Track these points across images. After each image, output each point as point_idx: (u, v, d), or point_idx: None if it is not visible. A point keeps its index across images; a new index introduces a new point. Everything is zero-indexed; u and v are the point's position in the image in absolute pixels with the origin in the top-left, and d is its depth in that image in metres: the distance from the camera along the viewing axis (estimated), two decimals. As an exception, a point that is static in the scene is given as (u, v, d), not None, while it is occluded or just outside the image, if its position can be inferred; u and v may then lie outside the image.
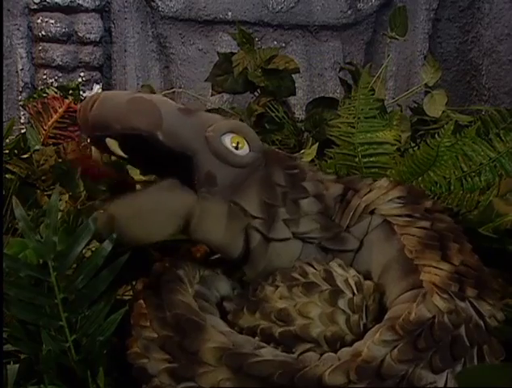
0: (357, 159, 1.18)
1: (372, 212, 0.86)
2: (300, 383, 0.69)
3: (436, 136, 1.14)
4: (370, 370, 0.69)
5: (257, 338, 0.76)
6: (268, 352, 0.72)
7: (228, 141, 0.82)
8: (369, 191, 0.88)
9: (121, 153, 0.81)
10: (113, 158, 1.34)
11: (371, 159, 1.18)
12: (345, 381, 0.68)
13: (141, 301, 0.80)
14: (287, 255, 0.84)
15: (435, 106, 1.60)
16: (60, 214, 1.03)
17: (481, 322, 0.75)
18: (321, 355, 0.73)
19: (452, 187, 1.12)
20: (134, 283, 0.90)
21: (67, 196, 1.13)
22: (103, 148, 0.81)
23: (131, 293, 0.91)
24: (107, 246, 0.82)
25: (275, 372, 0.69)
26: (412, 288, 0.78)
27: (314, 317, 0.76)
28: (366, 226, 0.86)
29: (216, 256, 0.88)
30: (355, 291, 0.79)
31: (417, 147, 1.36)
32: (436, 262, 0.78)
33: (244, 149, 0.82)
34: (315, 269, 0.81)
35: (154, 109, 0.78)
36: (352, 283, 0.80)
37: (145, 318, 0.77)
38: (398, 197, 0.87)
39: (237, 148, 0.82)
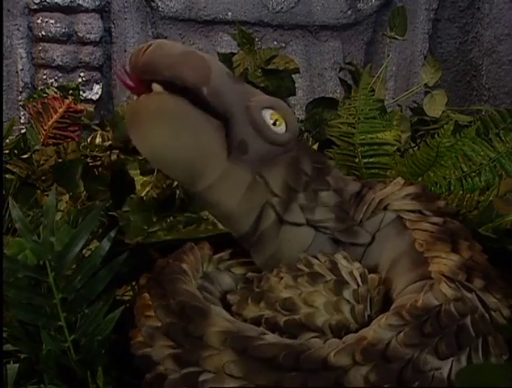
0: (357, 160, 1.18)
1: (386, 208, 0.87)
2: (305, 364, 0.68)
3: (436, 136, 1.14)
4: (375, 352, 0.68)
5: (261, 327, 0.76)
6: (273, 337, 0.73)
7: (268, 115, 0.82)
8: (383, 188, 0.89)
9: None
10: (113, 157, 1.34)
11: (372, 160, 1.18)
12: (350, 363, 0.68)
13: (145, 294, 0.80)
14: (298, 242, 0.84)
15: (435, 106, 1.60)
16: (60, 214, 1.04)
17: (487, 315, 0.75)
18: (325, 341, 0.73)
19: (452, 188, 1.12)
20: (134, 283, 0.90)
21: (67, 196, 1.13)
22: (147, 92, 0.80)
23: (130, 293, 0.91)
24: (105, 245, 0.82)
25: (280, 353, 0.69)
26: (420, 280, 0.78)
27: (319, 306, 0.76)
28: (378, 222, 0.87)
29: (219, 255, 0.88)
30: (360, 283, 0.79)
31: (417, 147, 1.36)
32: (446, 253, 0.79)
33: (281, 128, 0.83)
34: (320, 261, 0.82)
35: (205, 65, 0.79)
36: (357, 274, 0.80)
37: (149, 308, 0.77)
38: (412, 194, 0.87)
39: (274, 124, 0.82)
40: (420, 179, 1.14)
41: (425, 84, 1.65)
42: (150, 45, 0.78)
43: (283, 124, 0.83)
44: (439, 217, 0.84)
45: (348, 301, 0.77)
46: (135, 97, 0.83)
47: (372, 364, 0.68)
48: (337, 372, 0.68)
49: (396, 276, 0.82)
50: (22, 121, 2.06)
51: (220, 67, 0.82)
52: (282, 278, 0.80)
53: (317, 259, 0.82)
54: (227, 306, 0.81)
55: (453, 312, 0.72)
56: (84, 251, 0.91)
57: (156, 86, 0.79)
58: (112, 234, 0.83)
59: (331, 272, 0.80)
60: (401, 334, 0.69)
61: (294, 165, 0.84)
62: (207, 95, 0.78)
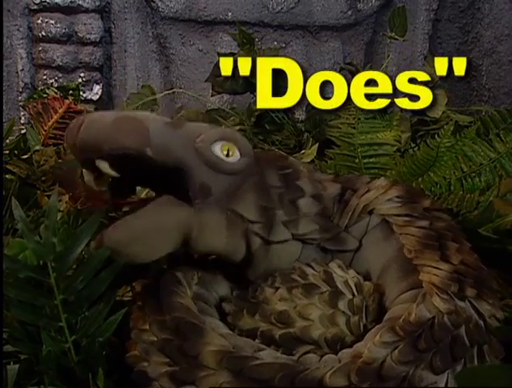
0: (357, 160, 1.18)
1: (371, 212, 0.86)
2: (300, 386, 0.68)
3: (436, 136, 1.15)
4: (371, 372, 0.68)
5: (257, 340, 0.76)
6: (268, 355, 0.72)
7: (219, 149, 0.81)
8: (367, 191, 0.88)
9: (113, 173, 0.80)
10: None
11: (372, 160, 1.18)
12: (346, 383, 0.68)
13: (140, 304, 0.80)
14: (287, 257, 0.84)
15: (435, 106, 1.60)
16: (60, 215, 1.03)
17: (481, 322, 0.75)
18: (322, 356, 0.73)
19: (452, 188, 1.13)
20: (134, 284, 0.90)
21: (67, 196, 1.13)
22: (94, 169, 0.80)
23: (130, 294, 0.91)
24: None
25: (276, 375, 0.69)
26: (411, 289, 0.78)
27: (314, 319, 0.76)
28: (365, 226, 0.86)
29: (214, 257, 0.88)
30: (355, 292, 0.79)
31: (417, 148, 1.36)
32: (435, 262, 0.78)
33: (235, 156, 0.82)
34: (314, 270, 0.81)
35: (141, 126, 0.78)
36: (352, 284, 0.80)
37: (144, 321, 0.77)
38: (396, 197, 0.87)
39: (227, 155, 0.82)
40: (420, 179, 1.14)
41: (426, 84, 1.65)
42: (81, 123, 0.77)
43: (236, 151, 0.82)
44: (426, 220, 0.84)
45: (343, 312, 0.77)
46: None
47: (368, 384, 0.68)
48: None
49: (387, 283, 0.81)
50: (22, 121, 2.06)
51: (156, 121, 0.81)
52: (277, 289, 0.79)
53: (312, 268, 0.82)
54: (223, 314, 0.81)
55: (447, 324, 0.71)
56: (84, 252, 0.91)
57: (100, 163, 0.78)
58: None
59: (326, 282, 0.79)
60: (396, 351, 0.69)
61: (260, 185, 0.83)
62: (152, 155, 0.77)
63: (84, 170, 0.83)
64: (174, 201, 0.80)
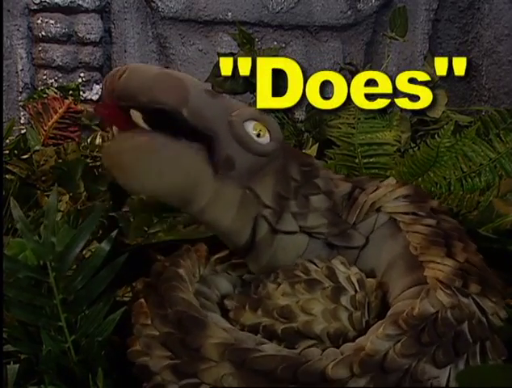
0: (357, 160, 1.18)
1: (379, 210, 0.87)
2: (303, 377, 0.68)
3: (436, 136, 1.15)
4: (373, 364, 0.69)
5: (259, 335, 0.76)
6: (270, 348, 0.72)
7: (251, 127, 0.81)
8: (376, 189, 0.88)
9: (144, 126, 0.80)
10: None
11: (371, 160, 1.18)
12: (348, 375, 0.68)
13: (142, 301, 0.80)
14: (293, 249, 0.84)
15: (435, 106, 1.60)
16: (60, 215, 1.04)
17: (484, 319, 0.75)
18: (324, 351, 0.73)
19: (452, 188, 1.13)
20: (134, 284, 0.90)
21: (67, 196, 1.13)
22: (127, 119, 0.80)
23: (130, 294, 0.91)
24: (106, 246, 0.82)
25: (278, 366, 0.69)
26: (415, 285, 0.78)
27: (317, 313, 0.76)
28: (372, 224, 0.87)
29: (216, 256, 0.88)
30: (357, 288, 0.79)
31: (417, 148, 1.36)
32: (441, 258, 0.79)
33: (265, 138, 0.82)
34: (317, 266, 0.82)
35: (182, 86, 0.78)
36: (354, 280, 0.80)
37: (146, 317, 0.77)
38: (404, 195, 0.87)
39: (258, 136, 0.82)
40: (420, 179, 1.14)
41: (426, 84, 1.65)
42: (124, 71, 0.77)
43: (267, 134, 0.82)
44: (432, 219, 0.84)
45: (346, 307, 0.77)
46: (114, 129, 0.81)
47: (370, 376, 0.68)
48: (335, 384, 0.68)
49: (391, 280, 0.82)
50: (22, 121, 2.06)
51: (198, 85, 0.81)
52: (279, 284, 0.79)
53: (315, 264, 0.82)
54: (224, 311, 0.81)
55: (450, 319, 0.72)
56: (84, 252, 0.91)
57: (134, 113, 0.78)
58: (113, 235, 0.83)
59: (328, 278, 0.79)
60: (399, 344, 0.69)
61: (282, 173, 0.83)
62: (187, 117, 0.77)
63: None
64: (205, 155, 0.79)
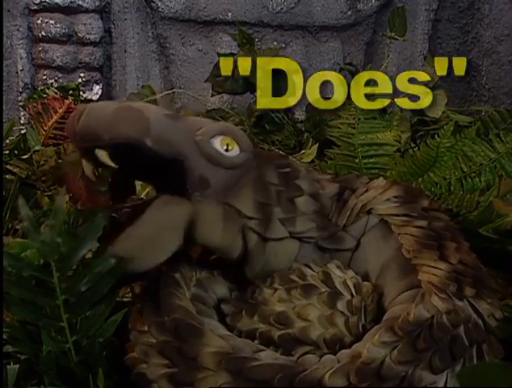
0: (357, 160, 1.18)
1: (369, 212, 0.86)
2: (300, 386, 0.68)
3: (436, 136, 1.15)
4: (370, 372, 0.68)
5: (256, 341, 0.76)
6: (267, 356, 0.72)
7: (218, 143, 0.81)
8: (366, 191, 0.88)
9: (111, 164, 0.80)
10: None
11: (372, 160, 1.18)
12: (345, 384, 0.68)
13: (139, 306, 0.80)
14: (285, 255, 0.84)
15: (435, 106, 1.60)
16: (60, 215, 1.03)
17: (480, 322, 0.75)
18: (321, 357, 0.73)
19: (452, 188, 1.13)
20: (133, 285, 0.90)
21: (67, 196, 1.13)
22: (93, 159, 0.80)
23: (130, 295, 0.91)
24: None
25: (275, 375, 0.69)
26: (410, 288, 0.78)
27: (313, 319, 0.76)
28: (363, 226, 0.86)
29: (212, 257, 0.88)
30: (354, 293, 0.79)
31: (417, 148, 1.36)
32: (434, 261, 0.78)
33: (234, 151, 0.82)
34: (313, 271, 0.81)
35: (141, 116, 0.78)
36: (351, 285, 0.80)
37: (143, 323, 0.77)
38: (395, 196, 0.87)
39: (227, 150, 0.82)
40: (420, 179, 1.14)
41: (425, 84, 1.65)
42: (82, 112, 0.77)
43: (236, 146, 0.82)
44: (424, 219, 0.84)
45: (342, 312, 0.77)
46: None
47: (367, 384, 0.68)
48: None
49: (386, 284, 0.81)
50: (22, 122, 2.06)
51: (157, 112, 0.81)
52: (275, 290, 0.79)
53: (311, 268, 0.82)
54: (221, 315, 0.81)
55: (445, 324, 0.71)
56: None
57: (99, 152, 0.78)
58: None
59: (324, 283, 0.79)
60: (395, 351, 0.69)
61: (258, 181, 0.83)
62: (152, 146, 0.77)
63: (84, 161, 0.83)
64: (172, 200, 0.80)
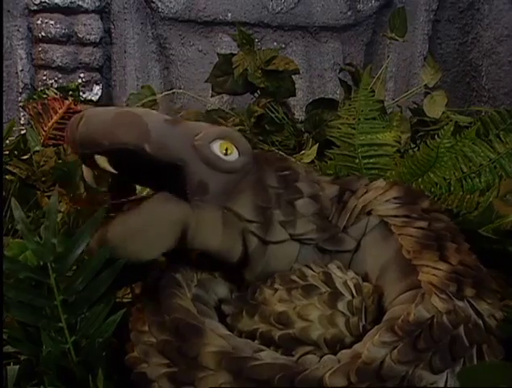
0: (357, 160, 1.18)
1: (369, 213, 0.86)
2: (300, 386, 0.68)
3: (436, 137, 1.14)
4: (370, 372, 0.69)
5: (256, 341, 0.76)
6: (268, 356, 0.72)
7: (217, 147, 0.81)
8: (366, 192, 0.88)
9: (111, 169, 0.80)
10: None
11: (372, 160, 1.18)
12: (345, 383, 0.68)
13: (139, 306, 0.80)
14: (285, 257, 0.84)
15: (435, 107, 1.60)
16: (60, 216, 1.03)
17: (480, 322, 0.75)
18: (321, 357, 0.73)
19: (452, 188, 1.12)
20: (134, 285, 0.90)
21: (67, 197, 1.12)
22: (93, 165, 0.81)
23: (130, 295, 0.91)
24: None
25: (275, 375, 0.69)
26: (410, 289, 0.78)
27: (314, 319, 0.76)
28: (363, 227, 0.86)
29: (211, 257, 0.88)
30: (354, 293, 0.79)
31: (417, 148, 1.36)
32: (434, 262, 0.78)
33: (233, 155, 0.82)
34: (314, 272, 0.81)
35: (140, 122, 0.78)
36: (351, 285, 0.80)
37: (144, 323, 0.77)
38: (395, 197, 0.87)
39: (226, 154, 0.82)
40: (420, 179, 1.13)
41: (425, 85, 1.65)
42: (81, 118, 0.77)
43: (235, 150, 0.82)
44: (424, 220, 0.84)
45: (343, 313, 0.77)
46: None
47: (367, 384, 0.68)
48: None
49: (386, 284, 0.81)
50: (22, 122, 2.06)
51: (156, 117, 0.81)
52: (276, 290, 0.79)
53: (311, 269, 0.82)
54: (222, 315, 0.81)
55: (446, 324, 0.71)
56: (84, 253, 0.91)
57: (99, 158, 0.79)
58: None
59: (325, 283, 0.79)
60: (395, 351, 0.69)
61: (258, 184, 0.83)
62: (151, 151, 0.77)
63: (83, 166, 0.83)
64: (172, 198, 0.80)
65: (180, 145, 0.80)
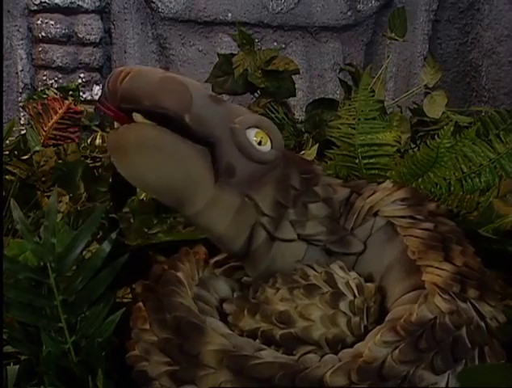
0: (357, 160, 1.17)
1: (376, 214, 0.86)
2: (301, 384, 0.68)
3: (436, 137, 1.14)
4: (371, 371, 0.68)
5: (257, 340, 0.76)
6: (269, 354, 0.72)
7: (253, 135, 0.81)
8: (373, 193, 0.88)
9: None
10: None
11: (372, 160, 1.18)
12: (346, 382, 0.68)
13: (140, 304, 0.80)
14: (291, 256, 0.84)
15: (435, 107, 1.60)
16: (60, 216, 1.04)
17: (482, 324, 0.75)
18: (322, 357, 0.73)
19: (452, 189, 1.12)
20: (134, 285, 0.90)
21: (67, 197, 1.13)
22: (127, 120, 0.79)
23: (130, 295, 0.91)
24: (106, 247, 0.82)
25: (276, 373, 0.69)
26: (414, 289, 0.77)
27: (315, 319, 0.76)
28: (369, 228, 0.86)
29: (215, 259, 0.88)
30: (356, 293, 0.79)
31: (417, 148, 1.36)
32: (438, 262, 0.78)
33: (266, 146, 0.82)
34: (316, 271, 0.81)
35: (185, 91, 0.77)
36: (353, 285, 0.80)
37: (145, 321, 0.77)
38: (402, 199, 0.87)
39: (259, 143, 0.81)
40: (420, 180, 1.13)
41: (425, 85, 1.65)
42: (128, 73, 0.76)
43: (268, 141, 0.82)
44: (430, 222, 0.84)
45: (344, 313, 0.77)
46: (116, 124, 0.81)
47: (368, 384, 0.68)
48: None
49: (389, 285, 0.81)
50: (22, 122, 2.06)
51: (201, 91, 0.81)
52: (278, 289, 0.79)
53: (313, 269, 0.82)
54: (223, 314, 0.81)
55: (448, 325, 0.71)
56: (84, 253, 0.91)
57: (137, 116, 0.78)
58: (113, 236, 0.83)
59: (327, 283, 0.79)
60: (397, 351, 0.69)
61: (282, 181, 0.83)
62: (189, 122, 0.77)
63: (115, 123, 0.81)
64: (210, 159, 0.79)
65: (218, 123, 0.79)
